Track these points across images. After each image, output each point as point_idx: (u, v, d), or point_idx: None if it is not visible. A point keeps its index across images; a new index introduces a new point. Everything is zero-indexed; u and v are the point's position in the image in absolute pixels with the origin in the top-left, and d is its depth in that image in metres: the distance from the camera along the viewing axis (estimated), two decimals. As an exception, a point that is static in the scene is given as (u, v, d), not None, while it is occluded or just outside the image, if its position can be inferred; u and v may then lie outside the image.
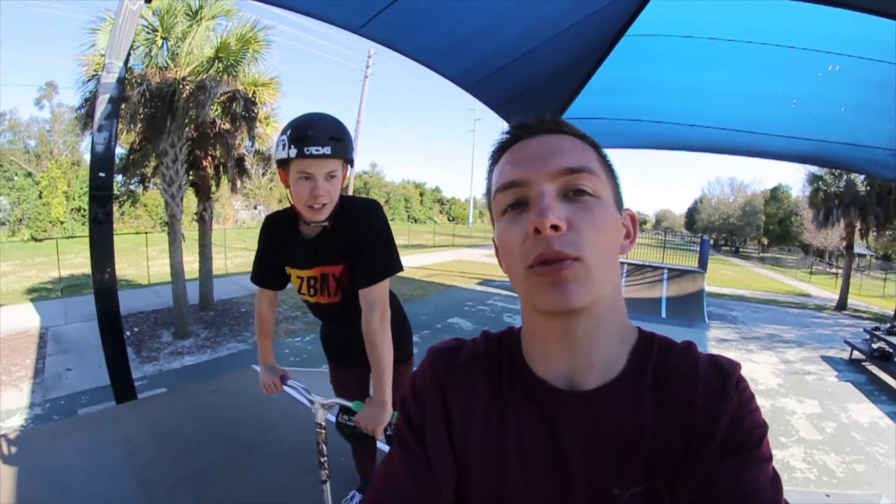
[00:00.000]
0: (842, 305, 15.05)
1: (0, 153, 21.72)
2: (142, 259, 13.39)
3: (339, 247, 1.47)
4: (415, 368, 0.89)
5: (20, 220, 21.56)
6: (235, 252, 17.44)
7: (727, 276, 22.81)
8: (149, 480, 2.10)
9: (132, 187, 9.89)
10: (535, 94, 3.50)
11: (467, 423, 0.56)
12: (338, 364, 1.81)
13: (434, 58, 2.90)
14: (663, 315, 11.07)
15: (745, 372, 0.51)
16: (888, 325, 8.74)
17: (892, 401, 6.52)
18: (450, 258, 21.17)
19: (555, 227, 0.46)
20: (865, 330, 8.65)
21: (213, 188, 8.92)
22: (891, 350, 7.59)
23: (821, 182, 14.97)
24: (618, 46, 2.83)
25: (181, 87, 6.95)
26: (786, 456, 4.75)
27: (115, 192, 8.88)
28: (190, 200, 9.59)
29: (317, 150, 1.28)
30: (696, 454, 0.46)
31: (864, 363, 8.15)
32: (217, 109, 7.88)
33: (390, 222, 1.54)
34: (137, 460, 2.25)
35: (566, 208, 0.48)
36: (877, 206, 14.02)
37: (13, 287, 11.42)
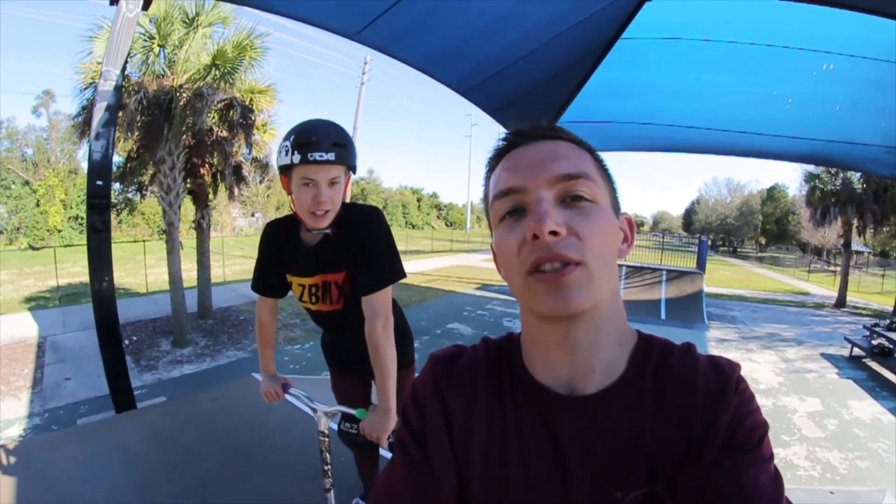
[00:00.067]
0: (841, 303, 15.09)
1: (-3, 162, 21.71)
2: (140, 267, 13.38)
3: (341, 254, 1.46)
4: (416, 375, 0.89)
5: (18, 228, 21.51)
6: (233, 260, 17.43)
7: (726, 276, 22.84)
8: (149, 490, 2.09)
9: (130, 195, 9.88)
10: (532, 98, 3.51)
11: (468, 428, 0.56)
12: (339, 371, 1.80)
13: (430, 63, 2.90)
14: (663, 316, 11.08)
15: (746, 371, 0.51)
16: (887, 321, 8.74)
17: (893, 396, 6.52)
18: (448, 263, 21.18)
19: (553, 233, 0.46)
20: (865, 327, 8.66)
21: (211, 196, 8.93)
22: (891, 346, 7.60)
23: (817, 181, 15.04)
24: (613, 49, 2.83)
25: (178, 94, 6.97)
26: (788, 454, 4.75)
27: (113, 200, 8.89)
28: (188, 208, 9.60)
29: (320, 156, 1.28)
30: (697, 455, 0.46)
31: (864, 360, 8.16)
32: (214, 117, 7.90)
33: None
34: (137, 470, 2.23)
35: (564, 214, 0.48)
36: (874, 204, 14.09)
37: (11, 296, 11.38)
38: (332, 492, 1.51)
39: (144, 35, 7.05)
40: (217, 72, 7.44)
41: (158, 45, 7.15)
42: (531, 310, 0.51)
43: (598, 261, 0.47)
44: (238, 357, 7.32)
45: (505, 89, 3.32)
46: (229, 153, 8.11)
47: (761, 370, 7.49)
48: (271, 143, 8.94)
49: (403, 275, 1.50)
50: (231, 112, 7.71)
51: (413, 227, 48.09)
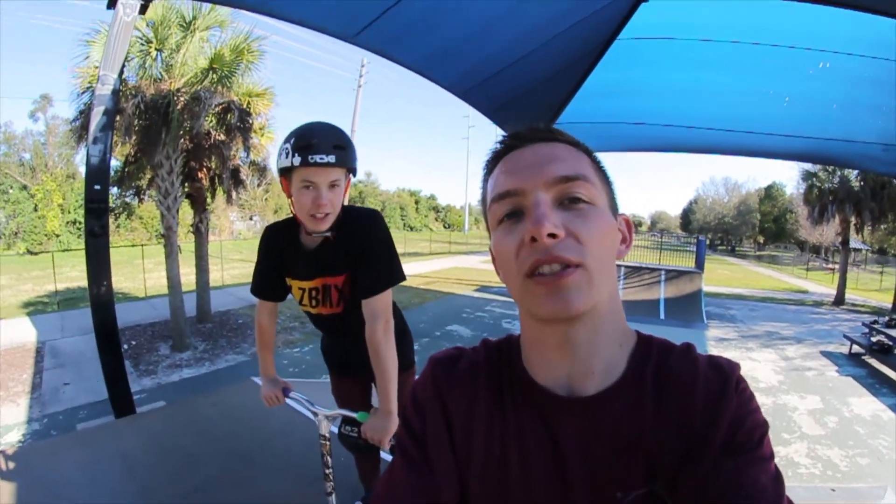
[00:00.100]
0: (839, 300, 15.12)
1: (-5, 167, 21.68)
2: (138, 272, 13.35)
3: (341, 257, 1.45)
4: (416, 377, 0.89)
5: (16, 233, 21.45)
6: (232, 263, 17.41)
7: (724, 275, 22.87)
8: (149, 495, 2.08)
9: (128, 200, 9.87)
10: (529, 99, 3.51)
11: (468, 429, 0.56)
12: (339, 375, 1.79)
13: (427, 65, 2.91)
14: (662, 316, 11.09)
15: (746, 370, 0.51)
16: (886, 318, 8.77)
17: (893, 393, 6.54)
18: (447, 265, 21.19)
19: (552, 236, 0.46)
20: (864, 324, 8.68)
21: (209, 200, 8.91)
22: (890, 343, 7.62)
23: (815, 179, 15.08)
24: (610, 50, 2.84)
25: (176, 98, 6.97)
26: (790, 452, 4.76)
27: (111, 204, 8.90)
28: (186, 212, 9.58)
29: (321, 159, 1.27)
30: (697, 455, 0.46)
31: (863, 357, 8.18)
32: (212, 120, 7.89)
33: None
34: (137, 475, 2.23)
35: (562, 216, 0.48)
36: (871, 201, 14.15)
37: (9, 301, 11.35)
38: (333, 495, 1.51)
39: (142, 39, 7.05)
40: (214, 75, 7.45)
41: (156, 48, 7.16)
42: (530, 312, 0.51)
43: (597, 262, 0.47)
44: (237, 361, 7.31)
45: (503, 91, 3.32)
46: (227, 157, 8.10)
47: (761, 368, 7.50)
48: (269, 146, 8.94)
49: (403, 277, 1.49)
50: (229, 115, 7.71)
51: (411, 229, 48.07)
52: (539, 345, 0.54)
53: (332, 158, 1.28)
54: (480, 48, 2.72)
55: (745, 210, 45.17)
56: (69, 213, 22.79)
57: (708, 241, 27.79)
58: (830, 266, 27.68)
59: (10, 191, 21.58)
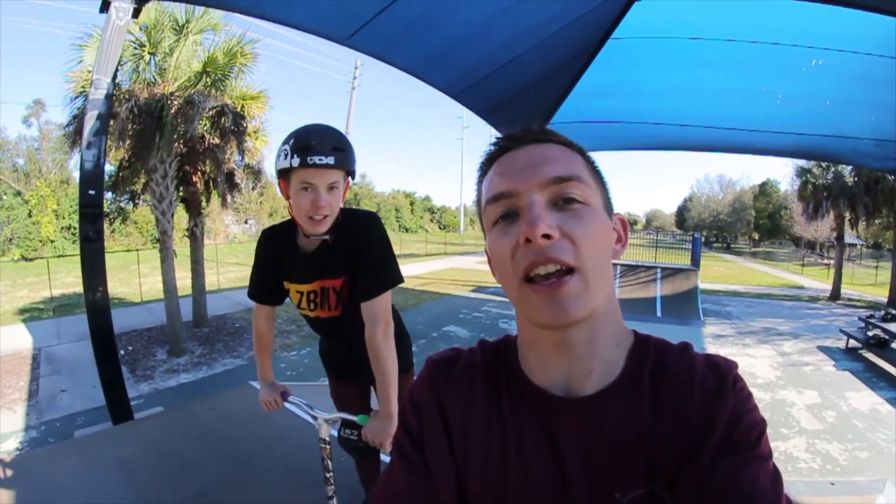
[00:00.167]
0: (835, 295, 15.19)
1: (-12, 173, 21.57)
2: (134, 276, 13.30)
3: (339, 260, 1.45)
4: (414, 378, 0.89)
5: (10, 239, 21.35)
6: (228, 267, 17.36)
7: (720, 272, 22.95)
8: (148, 501, 2.07)
9: (122, 204, 9.84)
10: (523, 99, 3.52)
11: (466, 430, 0.56)
12: (338, 378, 1.78)
13: (421, 67, 2.91)
14: (659, 314, 11.10)
15: (743, 366, 0.51)
16: (882, 312, 8.80)
17: (890, 387, 6.56)
18: (442, 266, 21.15)
19: (546, 236, 0.46)
20: (860, 318, 8.71)
21: (204, 203, 8.88)
22: (886, 337, 7.66)
23: (809, 175, 15.17)
24: (603, 50, 2.85)
25: (169, 102, 6.93)
26: (788, 447, 4.77)
27: (106, 209, 8.87)
28: (181, 216, 9.53)
29: (320, 160, 1.27)
30: (696, 455, 0.46)
31: (860, 351, 8.21)
32: (206, 124, 7.86)
33: None
34: (136, 481, 2.21)
35: (557, 217, 0.48)
36: (865, 196, 14.24)
37: (4, 308, 11.28)
38: (334, 499, 1.51)
39: (135, 43, 7.01)
40: (208, 79, 7.42)
41: (149, 52, 7.12)
42: (528, 317, 0.51)
43: (592, 263, 0.48)
44: (235, 365, 7.27)
45: (496, 91, 3.33)
46: (221, 160, 8.06)
47: (758, 365, 7.52)
48: (263, 149, 8.91)
49: (401, 279, 1.49)
50: (223, 119, 7.68)
51: (406, 230, 48.06)
52: (536, 345, 0.54)
53: (331, 160, 1.28)
54: (474, 49, 2.73)
55: (740, 207, 45.44)
56: (64, 218, 22.70)
57: (703, 239, 27.90)
58: (826, 262, 27.81)
59: (4, 197, 21.49)
